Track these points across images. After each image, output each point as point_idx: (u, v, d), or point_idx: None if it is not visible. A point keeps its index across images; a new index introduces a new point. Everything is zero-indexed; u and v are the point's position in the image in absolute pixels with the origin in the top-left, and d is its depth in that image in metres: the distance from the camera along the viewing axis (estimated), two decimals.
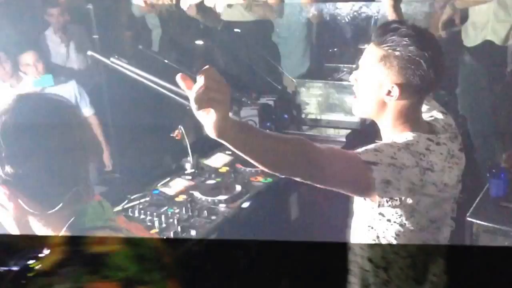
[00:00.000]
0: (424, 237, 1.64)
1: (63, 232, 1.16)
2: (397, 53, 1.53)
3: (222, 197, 2.66)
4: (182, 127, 2.96)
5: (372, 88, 1.59)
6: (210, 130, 1.23)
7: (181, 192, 2.76)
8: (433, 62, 1.53)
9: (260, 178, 2.86)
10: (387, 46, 1.54)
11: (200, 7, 3.73)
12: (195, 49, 3.91)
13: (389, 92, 1.57)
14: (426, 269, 1.73)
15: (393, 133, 1.61)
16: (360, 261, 1.74)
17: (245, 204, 2.67)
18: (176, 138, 2.94)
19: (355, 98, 1.67)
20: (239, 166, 2.99)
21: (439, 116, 1.76)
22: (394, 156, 1.49)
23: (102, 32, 3.65)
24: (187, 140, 2.98)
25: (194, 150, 3.03)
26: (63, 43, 4.26)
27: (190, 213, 2.54)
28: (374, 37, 1.59)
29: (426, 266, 1.74)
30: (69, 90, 3.81)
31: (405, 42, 1.52)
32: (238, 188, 2.74)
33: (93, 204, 1.20)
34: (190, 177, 2.91)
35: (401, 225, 1.58)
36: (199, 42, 4.02)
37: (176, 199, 2.70)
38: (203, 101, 1.15)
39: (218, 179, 2.87)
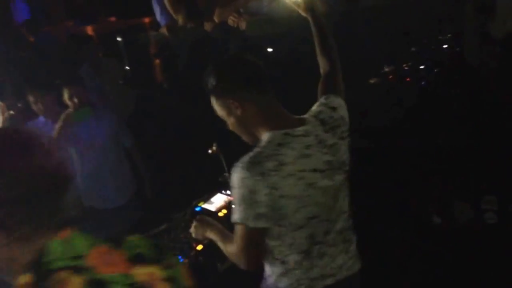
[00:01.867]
0: (307, 233, 1.83)
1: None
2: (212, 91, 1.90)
3: None
4: (216, 144, 3.02)
5: (231, 122, 1.92)
6: None
7: (222, 207, 2.81)
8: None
9: None
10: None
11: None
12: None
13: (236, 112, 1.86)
14: None
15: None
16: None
17: None
18: (212, 153, 2.98)
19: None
20: None
21: (315, 108, 1.98)
22: (238, 196, 1.76)
23: (133, 63, 3.79)
24: (221, 156, 3.03)
25: (231, 165, 3.08)
26: (97, 76, 4.43)
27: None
28: None
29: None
30: (109, 122, 3.91)
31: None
32: None
33: (57, 241, 1.08)
34: (229, 192, 2.96)
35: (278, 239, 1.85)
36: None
37: (219, 214, 2.76)
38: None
39: None
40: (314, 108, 2.00)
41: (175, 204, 2.99)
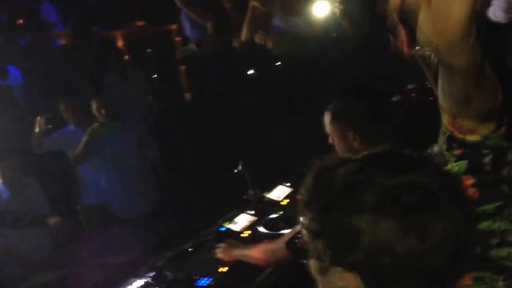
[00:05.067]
0: None
1: None
2: None
3: (286, 231, 2.76)
4: (241, 163, 3.08)
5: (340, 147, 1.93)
6: None
7: (246, 228, 2.90)
8: None
9: None
10: None
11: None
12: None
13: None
14: None
15: None
16: None
17: None
18: (238, 172, 3.04)
19: None
20: (300, 197, 3.08)
21: None
22: None
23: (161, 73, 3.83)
24: (247, 175, 3.09)
25: (254, 184, 3.14)
26: (123, 85, 4.50)
27: None
28: None
29: None
30: (133, 133, 4.01)
31: None
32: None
33: None
34: (253, 212, 3.03)
35: None
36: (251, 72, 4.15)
37: (242, 235, 2.84)
38: None
39: (280, 212, 2.99)
40: None
41: (200, 217, 3.07)
